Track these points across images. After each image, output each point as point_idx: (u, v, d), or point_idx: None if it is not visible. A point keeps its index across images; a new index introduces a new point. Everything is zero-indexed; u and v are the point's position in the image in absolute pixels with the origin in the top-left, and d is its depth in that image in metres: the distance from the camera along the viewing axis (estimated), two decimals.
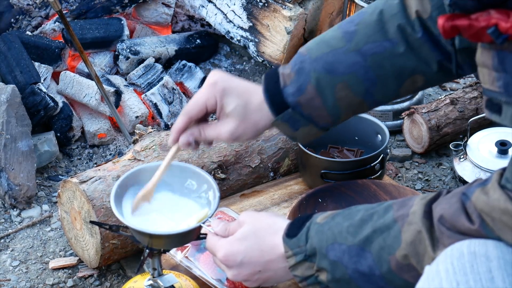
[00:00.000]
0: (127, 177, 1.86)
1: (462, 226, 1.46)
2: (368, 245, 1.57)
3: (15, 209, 2.57)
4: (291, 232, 1.66)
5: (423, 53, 1.71)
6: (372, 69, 1.73)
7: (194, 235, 1.81)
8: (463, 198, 1.48)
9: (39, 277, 2.34)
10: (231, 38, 3.06)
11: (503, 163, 2.49)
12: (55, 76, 2.90)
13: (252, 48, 3.00)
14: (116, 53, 3.00)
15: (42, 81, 2.76)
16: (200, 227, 1.78)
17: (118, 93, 2.83)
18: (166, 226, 1.80)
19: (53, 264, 2.36)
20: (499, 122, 1.42)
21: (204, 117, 1.79)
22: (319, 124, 1.78)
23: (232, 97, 1.75)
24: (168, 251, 1.90)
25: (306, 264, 1.64)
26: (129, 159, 2.26)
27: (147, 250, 1.83)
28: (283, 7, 2.93)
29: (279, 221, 1.70)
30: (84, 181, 2.19)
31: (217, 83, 1.76)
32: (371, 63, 1.73)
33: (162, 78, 2.94)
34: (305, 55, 1.77)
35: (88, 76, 2.86)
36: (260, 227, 1.70)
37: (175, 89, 2.93)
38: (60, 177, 2.69)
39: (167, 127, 2.88)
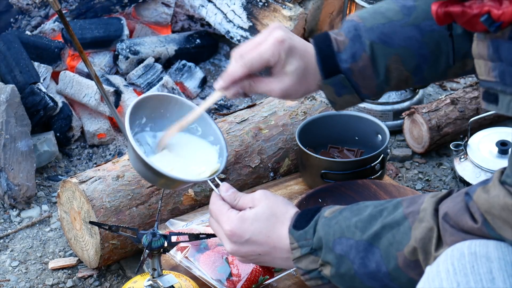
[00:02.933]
0: (143, 99, 1.81)
1: (465, 225, 1.46)
2: (376, 241, 1.56)
3: (14, 209, 2.56)
4: (299, 224, 1.64)
5: None
6: (427, 45, 1.75)
7: (192, 185, 1.78)
8: (466, 198, 1.47)
9: (38, 277, 2.34)
10: (231, 38, 3.06)
11: (503, 163, 2.48)
12: (55, 76, 2.90)
13: None
14: (116, 53, 3.00)
15: (41, 81, 2.76)
16: (204, 181, 1.76)
17: (117, 93, 2.82)
18: (175, 166, 1.78)
19: (52, 264, 2.36)
20: (496, 112, 1.42)
21: None
22: (362, 94, 1.79)
23: (296, 57, 1.75)
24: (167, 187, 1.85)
25: (311, 257, 1.62)
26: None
27: (147, 250, 1.83)
28: (283, 7, 2.92)
29: (291, 211, 1.69)
30: (84, 181, 2.18)
31: (285, 41, 1.74)
32: (427, 40, 1.75)
33: (161, 78, 2.94)
34: (359, 22, 1.77)
35: (88, 76, 2.86)
36: (274, 212, 1.68)
37: (174, 89, 2.93)
38: (60, 177, 2.69)
39: None
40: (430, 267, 1.45)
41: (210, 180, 1.75)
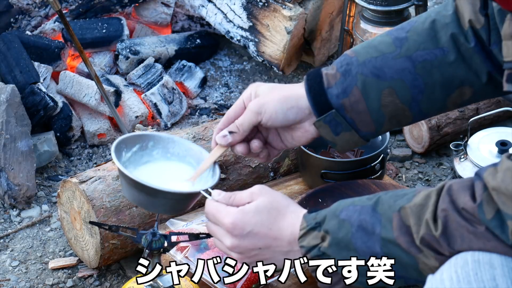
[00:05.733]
0: (128, 137, 1.84)
1: (462, 200, 1.46)
2: (378, 206, 1.57)
3: (14, 209, 2.56)
4: (314, 210, 1.67)
5: (474, 63, 1.72)
6: (420, 76, 1.74)
7: (189, 203, 1.79)
8: (475, 178, 1.48)
9: (38, 277, 2.34)
10: (231, 38, 3.06)
11: None
12: (55, 76, 2.90)
13: (252, 48, 3.00)
14: (116, 53, 3.00)
15: (41, 81, 2.76)
16: (198, 194, 1.76)
17: (118, 93, 2.82)
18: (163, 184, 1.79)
19: (52, 264, 2.36)
20: None
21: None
22: (361, 131, 1.78)
23: (264, 86, 1.79)
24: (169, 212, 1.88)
25: (314, 233, 1.62)
26: None
27: (147, 250, 1.83)
28: (283, 7, 2.92)
29: (292, 205, 1.70)
30: (84, 181, 2.19)
31: (253, 85, 1.81)
32: (420, 70, 1.74)
33: (162, 78, 2.94)
34: (352, 57, 1.77)
35: (88, 76, 2.86)
36: (275, 206, 1.68)
37: (175, 89, 2.93)
38: (60, 177, 2.69)
39: (167, 127, 2.88)
40: (433, 275, 1.45)
41: (202, 190, 1.76)
